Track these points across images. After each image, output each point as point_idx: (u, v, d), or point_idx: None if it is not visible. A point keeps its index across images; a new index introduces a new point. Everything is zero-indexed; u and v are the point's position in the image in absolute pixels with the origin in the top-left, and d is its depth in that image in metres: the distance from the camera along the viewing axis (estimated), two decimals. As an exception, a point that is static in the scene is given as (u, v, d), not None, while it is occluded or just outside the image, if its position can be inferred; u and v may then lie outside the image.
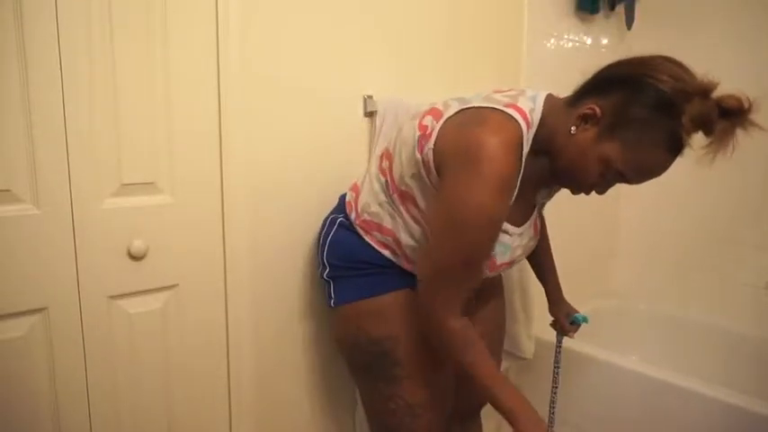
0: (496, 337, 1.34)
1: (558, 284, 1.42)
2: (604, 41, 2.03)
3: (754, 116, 0.84)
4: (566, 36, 1.89)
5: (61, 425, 1.01)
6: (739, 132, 0.85)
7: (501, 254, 1.05)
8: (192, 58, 1.07)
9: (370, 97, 1.35)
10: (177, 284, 1.12)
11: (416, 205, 1.03)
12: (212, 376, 1.20)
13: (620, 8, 2.01)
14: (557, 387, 1.46)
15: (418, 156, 0.98)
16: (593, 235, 2.17)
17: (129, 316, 1.06)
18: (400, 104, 1.34)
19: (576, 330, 1.42)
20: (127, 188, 1.02)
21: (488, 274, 1.08)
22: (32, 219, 0.93)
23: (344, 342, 1.19)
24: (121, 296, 1.05)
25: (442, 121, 0.96)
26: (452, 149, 0.93)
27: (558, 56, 1.87)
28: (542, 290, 1.44)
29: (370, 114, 1.36)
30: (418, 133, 0.99)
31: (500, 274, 1.33)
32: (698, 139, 0.87)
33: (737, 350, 1.90)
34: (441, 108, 0.99)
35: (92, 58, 0.95)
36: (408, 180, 1.02)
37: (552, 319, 1.45)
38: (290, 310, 1.31)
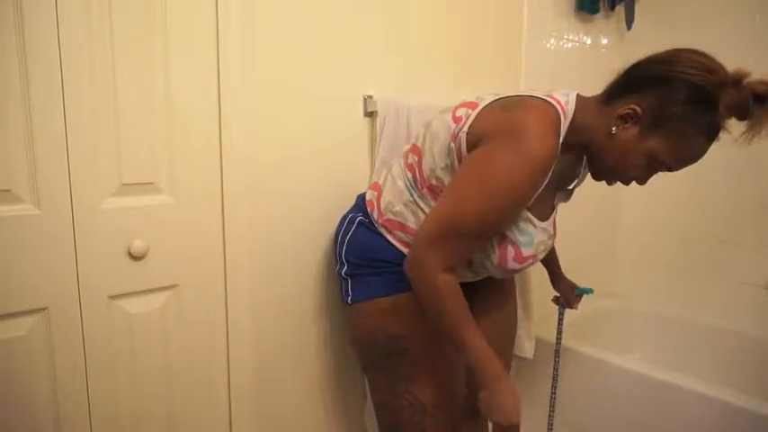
0: (506, 338, 1.36)
1: (558, 263, 1.48)
2: (604, 41, 2.03)
3: None
4: (565, 36, 1.89)
5: (61, 425, 1.01)
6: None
7: (527, 245, 1.06)
8: (192, 58, 1.07)
9: (370, 97, 1.34)
10: (177, 284, 1.12)
11: None
12: (212, 376, 1.20)
13: (620, 8, 2.01)
14: (558, 359, 1.54)
15: (452, 144, 1.00)
16: (594, 235, 2.17)
17: (129, 316, 1.06)
18: (400, 104, 1.35)
19: (578, 302, 1.49)
20: (127, 188, 1.02)
21: (516, 267, 1.08)
22: (32, 219, 0.93)
23: (360, 339, 1.18)
24: (121, 296, 1.05)
25: (478, 109, 0.99)
26: (492, 128, 0.95)
27: (557, 56, 1.86)
28: (542, 290, 1.44)
29: (370, 114, 1.36)
30: (453, 124, 1.01)
31: (513, 278, 1.35)
32: (733, 121, 0.92)
33: (737, 350, 1.89)
34: (474, 100, 1.03)
35: (92, 57, 0.95)
36: (440, 173, 1.03)
37: (555, 295, 1.51)
38: (290, 310, 1.30)
